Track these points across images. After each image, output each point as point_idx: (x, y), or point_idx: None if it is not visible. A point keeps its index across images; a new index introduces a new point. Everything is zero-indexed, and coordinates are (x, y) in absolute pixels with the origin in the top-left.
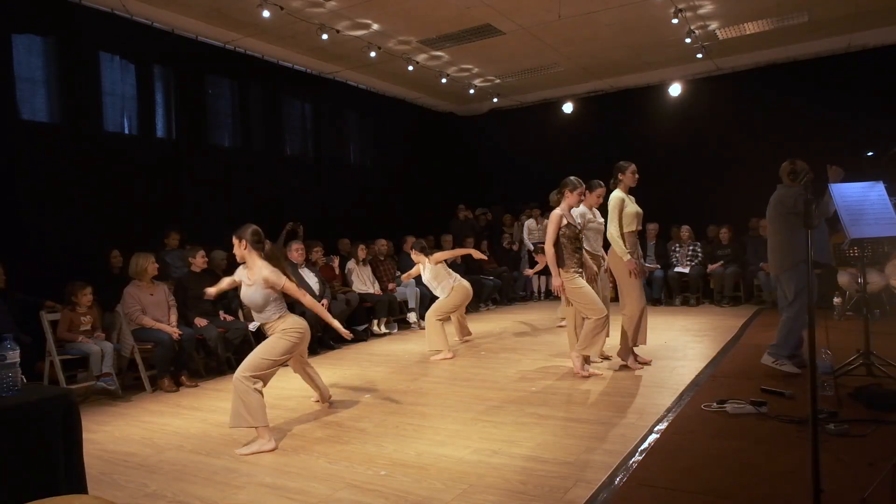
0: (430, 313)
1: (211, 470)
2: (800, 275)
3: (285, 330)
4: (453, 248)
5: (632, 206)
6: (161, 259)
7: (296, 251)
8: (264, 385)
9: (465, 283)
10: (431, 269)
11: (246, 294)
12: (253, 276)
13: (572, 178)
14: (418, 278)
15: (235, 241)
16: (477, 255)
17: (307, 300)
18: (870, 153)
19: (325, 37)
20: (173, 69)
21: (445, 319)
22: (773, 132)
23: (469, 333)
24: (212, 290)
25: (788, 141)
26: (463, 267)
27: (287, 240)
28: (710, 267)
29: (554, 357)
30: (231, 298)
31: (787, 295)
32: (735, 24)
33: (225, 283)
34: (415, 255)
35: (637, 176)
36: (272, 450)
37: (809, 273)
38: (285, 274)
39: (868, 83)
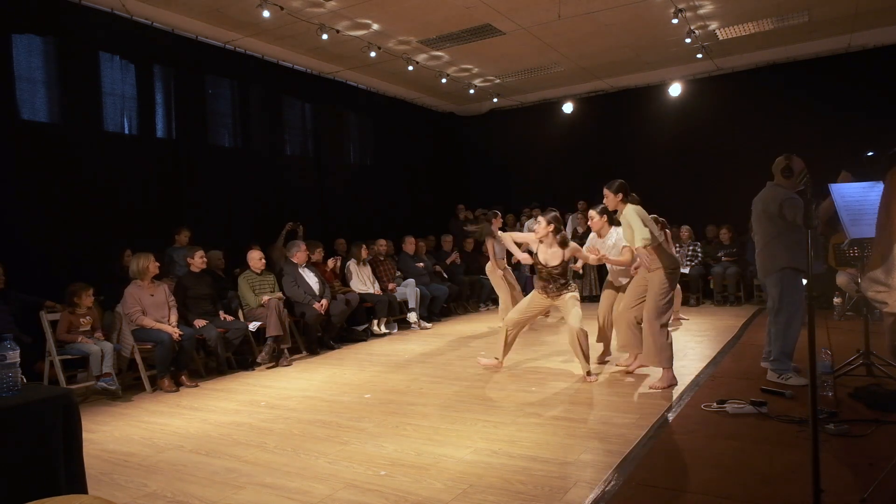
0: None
1: (211, 470)
2: (784, 280)
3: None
4: (452, 248)
5: None
6: (168, 255)
7: (303, 252)
8: None
9: None
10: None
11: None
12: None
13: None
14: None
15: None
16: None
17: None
18: (870, 153)
19: (325, 37)
20: (173, 69)
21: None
22: (772, 132)
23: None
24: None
25: (788, 141)
26: (463, 267)
27: (287, 240)
28: (724, 258)
29: (554, 357)
30: (231, 298)
31: (773, 302)
32: (735, 24)
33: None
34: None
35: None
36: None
37: (809, 274)
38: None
39: (868, 83)
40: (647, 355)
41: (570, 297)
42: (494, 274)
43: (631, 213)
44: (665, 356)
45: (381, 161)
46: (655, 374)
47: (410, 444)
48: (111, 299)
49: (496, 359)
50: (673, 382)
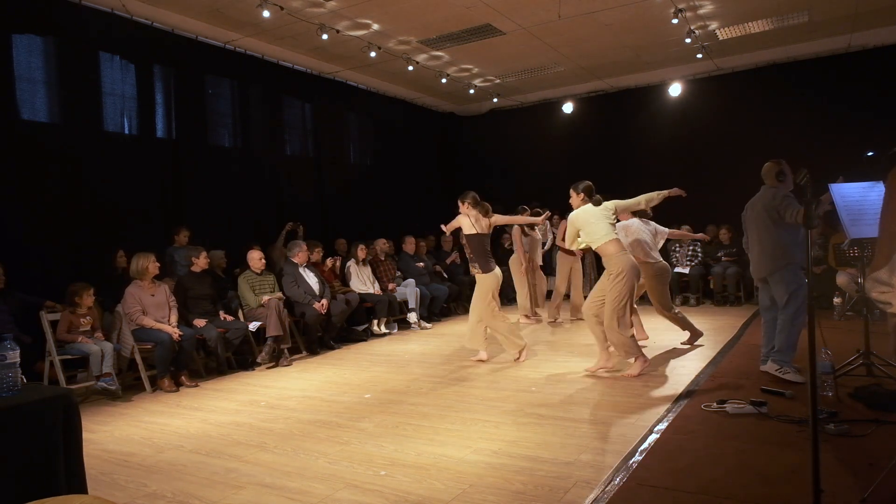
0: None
1: (211, 470)
2: (791, 276)
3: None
4: (452, 248)
5: None
6: (169, 255)
7: (304, 252)
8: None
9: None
10: None
11: None
12: None
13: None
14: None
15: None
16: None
17: None
18: (870, 153)
19: (325, 37)
20: (173, 69)
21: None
22: (772, 132)
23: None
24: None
25: (788, 141)
26: (463, 267)
27: (287, 240)
28: (724, 258)
29: (554, 357)
30: (231, 298)
31: (778, 298)
32: (735, 24)
33: None
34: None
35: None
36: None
37: (809, 273)
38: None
39: (868, 83)
40: (618, 352)
41: (478, 279)
42: (518, 268)
43: (573, 217)
44: (629, 348)
45: (381, 161)
46: (658, 369)
47: (410, 444)
48: (110, 300)
49: (481, 351)
50: (644, 363)
